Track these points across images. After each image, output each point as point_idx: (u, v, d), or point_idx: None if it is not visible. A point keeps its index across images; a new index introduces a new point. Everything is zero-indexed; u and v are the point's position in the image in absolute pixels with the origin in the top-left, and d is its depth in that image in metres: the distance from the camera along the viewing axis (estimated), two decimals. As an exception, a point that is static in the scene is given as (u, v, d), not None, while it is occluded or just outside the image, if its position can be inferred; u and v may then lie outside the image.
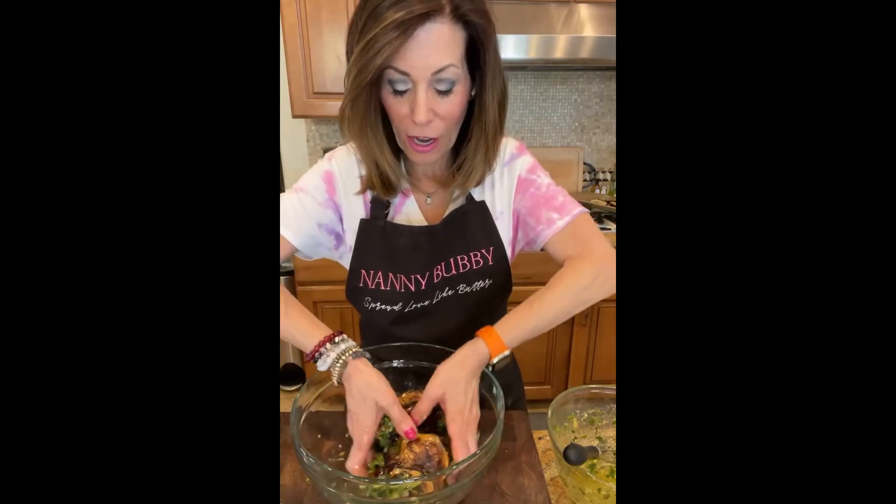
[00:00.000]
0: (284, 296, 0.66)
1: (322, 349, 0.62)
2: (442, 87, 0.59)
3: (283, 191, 0.74)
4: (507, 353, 0.62)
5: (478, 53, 0.61)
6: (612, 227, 1.87)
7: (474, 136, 0.68)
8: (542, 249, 0.75)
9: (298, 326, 0.64)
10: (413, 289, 0.73)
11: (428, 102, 0.59)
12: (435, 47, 0.56)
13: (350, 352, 0.62)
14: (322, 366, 0.62)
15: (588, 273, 0.66)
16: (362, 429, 0.59)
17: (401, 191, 0.75)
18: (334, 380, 0.62)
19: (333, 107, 1.87)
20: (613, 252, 0.68)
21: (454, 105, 0.61)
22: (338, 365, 0.61)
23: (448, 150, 0.71)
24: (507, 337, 0.62)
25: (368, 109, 0.63)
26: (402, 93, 0.60)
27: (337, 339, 0.63)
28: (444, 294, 0.74)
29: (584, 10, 1.82)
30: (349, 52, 0.61)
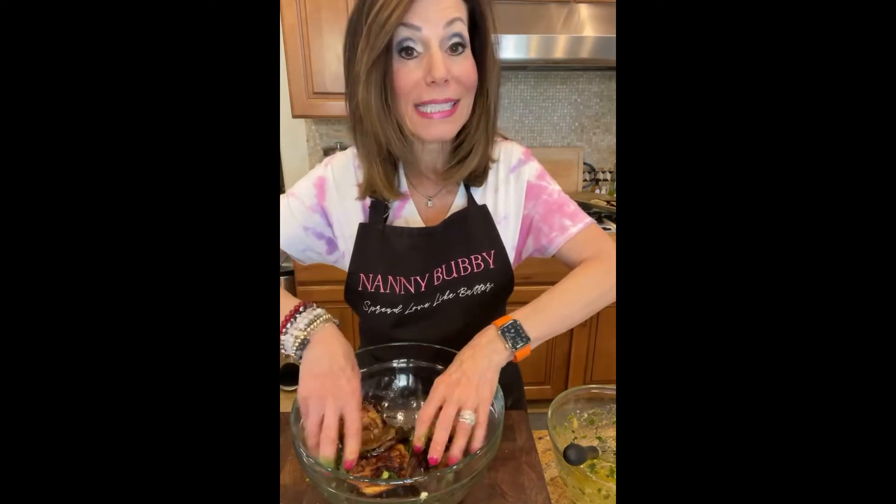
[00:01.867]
0: None
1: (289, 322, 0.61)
2: (454, 41, 0.60)
3: (283, 191, 0.74)
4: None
5: (476, 28, 0.63)
6: (612, 227, 1.87)
7: (478, 106, 0.67)
8: (553, 256, 0.76)
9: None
10: (413, 291, 0.73)
11: (444, 60, 0.60)
12: (443, 2, 0.58)
13: (322, 318, 0.62)
14: (290, 338, 0.61)
15: (601, 272, 0.67)
16: (350, 395, 0.56)
17: (401, 193, 0.75)
18: (293, 351, 0.60)
19: (333, 107, 1.87)
20: None
21: (467, 66, 0.62)
22: (312, 327, 0.61)
23: (450, 142, 0.70)
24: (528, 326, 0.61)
25: (382, 91, 0.62)
26: (413, 55, 0.60)
27: (302, 311, 0.62)
28: (445, 297, 0.74)
29: (584, 10, 1.82)
30: (352, 48, 0.62)
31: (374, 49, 0.59)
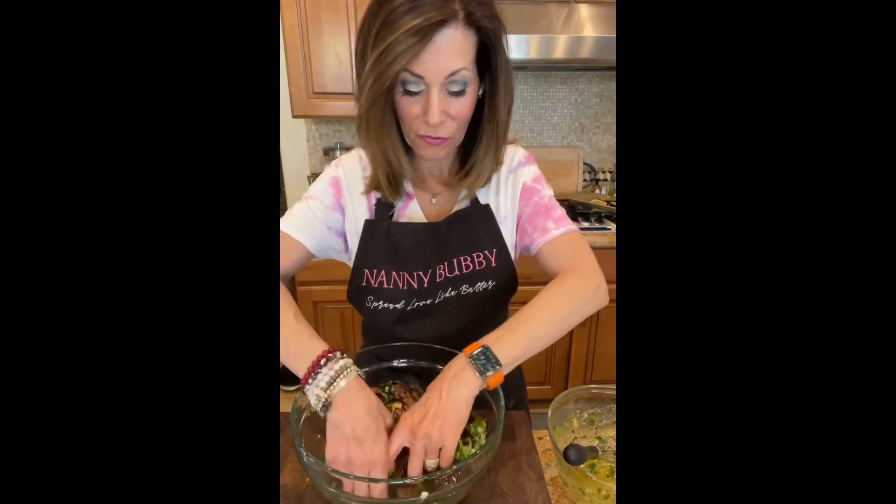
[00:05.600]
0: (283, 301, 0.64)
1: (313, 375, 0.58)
2: (455, 89, 0.61)
3: (283, 190, 0.75)
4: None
5: (487, 56, 0.63)
6: (612, 227, 1.86)
7: (485, 137, 0.70)
8: (534, 257, 0.76)
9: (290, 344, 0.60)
10: (415, 286, 0.74)
11: (441, 104, 0.61)
12: (450, 52, 0.58)
13: (343, 374, 0.58)
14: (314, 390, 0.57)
15: (572, 287, 0.66)
16: (375, 461, 0.55)
17: (405, 192, 0.75)
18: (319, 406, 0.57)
19: (333, 107, 1.87)
20: (599, 270, 0.69)
21: (465, 105, 0.63)
22: (338, 382, 0.57)
23: (455, 150, 0.72)
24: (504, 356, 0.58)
25: (385, 112, 0.65)
26: (414, 94, 0.61)
27: (324, 363, 0.58)
28: (447, 294, 0.75)
29: (584, 10, 1.82)
30: (360, 55, 0.63)
31: (378, 87, 0.59)
